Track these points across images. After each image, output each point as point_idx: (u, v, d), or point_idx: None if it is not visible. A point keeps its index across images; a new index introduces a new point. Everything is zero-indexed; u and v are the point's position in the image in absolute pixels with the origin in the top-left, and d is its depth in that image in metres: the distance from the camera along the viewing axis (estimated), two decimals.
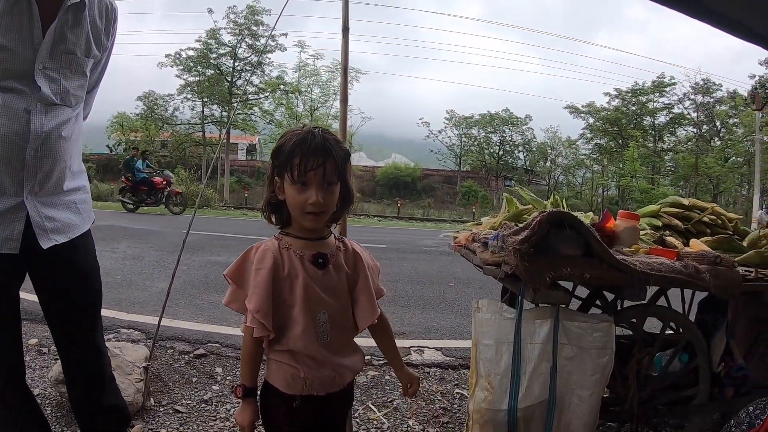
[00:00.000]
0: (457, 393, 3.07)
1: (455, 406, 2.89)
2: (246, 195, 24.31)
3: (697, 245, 2.17)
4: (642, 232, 2.31)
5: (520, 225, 1.72)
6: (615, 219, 2.20)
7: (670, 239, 2.28)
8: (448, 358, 3.62)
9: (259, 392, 1.38)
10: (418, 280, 6.29)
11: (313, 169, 1.22)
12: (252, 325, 1.25)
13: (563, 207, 2.43)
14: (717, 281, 1.73)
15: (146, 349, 2.80)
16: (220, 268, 6.17)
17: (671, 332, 2.21)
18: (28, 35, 1.38)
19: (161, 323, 3.76)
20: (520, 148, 39.06)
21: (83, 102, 1.62)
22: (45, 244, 1.45)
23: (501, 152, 38.71)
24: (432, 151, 39.36)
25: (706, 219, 2.61)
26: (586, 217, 2.21)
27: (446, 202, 35.99)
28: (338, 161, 1.26)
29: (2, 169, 1.36)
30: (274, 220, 1.35)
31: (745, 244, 2.45)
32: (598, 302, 2.15)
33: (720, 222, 2.66)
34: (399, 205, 26.26)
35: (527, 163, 39.60)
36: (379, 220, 21.18)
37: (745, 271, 1.90)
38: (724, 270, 1.79)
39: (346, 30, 2.58)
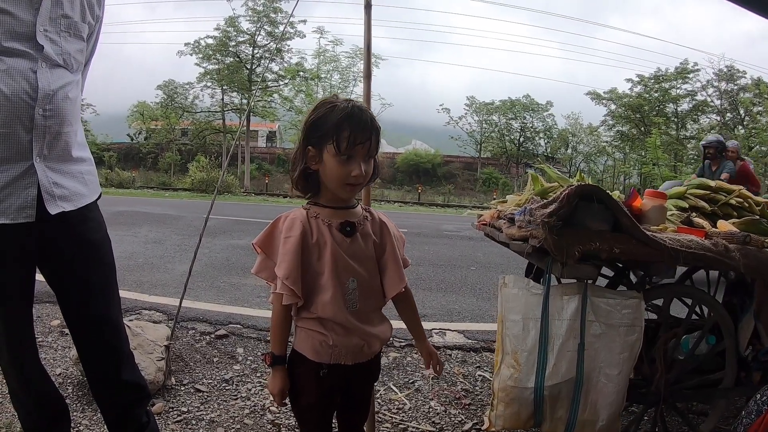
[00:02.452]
0: (479, 375, 3.02)
1: (477, 388, 2.86)
2: (266, 181, 24.43)
3: (725, 226, 2.09)
4: (669, 213, 2.22)
5: (548, 199, 1.65)
6: (642, 198, 2.12)
7: (698, 220, 2.19)
8: (469, 341, 3.57)
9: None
10: (439, 264, 6.25)
11: (362, 143, 1.24)
12: (282, 291, 1.26)
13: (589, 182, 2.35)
14: (747, 261, 1.66)
15: (167, 329, 2.81)
16: (240, 251, 6.23)
17: (696, 316, 2.14)
18: None
19: (183, 304, 3.83)
20: (541, 135, 38.68)
21: (81, 71, 1.62)
22: (53, 210, 1.43)
23: (522, 139, 38.38)
24: (452, 137, 39.18)
25: (732, 201, 2.52)
26: (613, 195, 2.13)
27: (466, 189, 35.90)
28: (378, 138, 1.30)
29: (12, 131, 1.36)
30: (303, 189, 1.34)
31: None
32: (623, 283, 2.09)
33: (747, 205, 2.56)
34: (419, 191, 26.17)
35: (548, 149, 39.15)
36: (399, 206, 21.17)
37: None
38: (755, 250, 1.72)
39: (368, 6, 2.52)
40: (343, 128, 1.23)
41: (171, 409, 2.36)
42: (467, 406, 2.62)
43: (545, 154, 38.94)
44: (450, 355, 3.33)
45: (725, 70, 29.91)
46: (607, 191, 1.66)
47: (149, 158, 31.03)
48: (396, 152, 42.39)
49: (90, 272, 1.59)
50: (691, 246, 1.61)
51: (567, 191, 1.53)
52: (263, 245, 1.31)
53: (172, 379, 2.62)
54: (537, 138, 38.95)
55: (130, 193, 16.57)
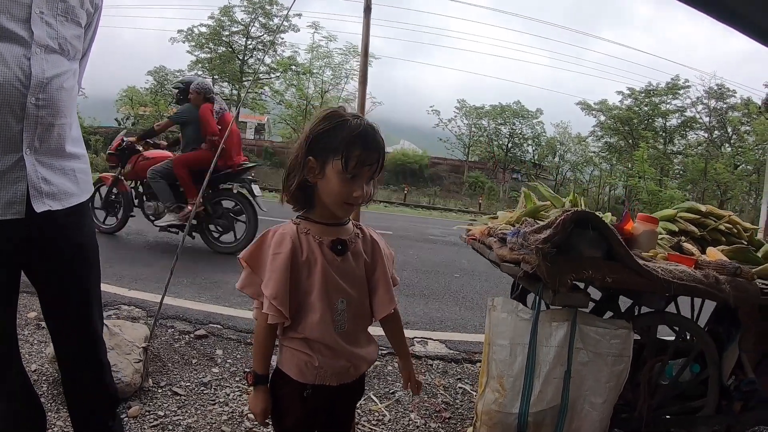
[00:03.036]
0: (460, 388, 3.01)
1: (457, 401, 2.84)
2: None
3: (715, 254, 2.11)
4: (659, 237, 2.23)
5: (541, 222, 1.64)
6: (634, 221, 2.12)
7: (687, 246, 2.21)
8: (451, 351, 3.56)
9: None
10: (423, 270, 6.24)
11: (370, 164, 1.21)
12: (268, 311, 1.21)
13: (582, 206, 2.35)
14: (737, 293, 1.67)
15: (146, 328, 2.75)
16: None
17: (682, 340, 2.16)
18: None
19: (162, 301, 3.75)
20: (530, 142, 39.05)
21: (79, 59, 1.56)
22: (38, 208, 1.37)
23: (510, 144, 38.72)
24: (441, 139, 39.50)
25: (722, 227, 2.55)
26: (605, 218, 2.13)
27: (452, 192, 36.08)
28: (384, 161, 1.27)
29: (2, 119, 1.30)
30: (298, 203, 1.30)
31: (760, 255, 2.38)
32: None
33: (735, 231, 2.59)
34: (406, 191, 26.20)
35: (536, 157, 39.58)
36: (385, 206, 21.14)
37: (762, 284, 1.83)
38: (744, 282, 1.73)
39: (368, 9, 2.51)
40: (355, 147, 1.18)
41: (147, 413, 2.30)
42: (447, 420, 2.61)
43: (532, 161, 39.37)
44: (431, 365, 3.32)
45: (715, 88, 30.63)
46: (602, 217, 1.65)
47: None
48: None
49: (73, 275, 1.54)
50: (683, 278, 1.62)
51: (563, 217, 1.52)
52: (250, 260, 1.26)
53: (149, 380, 2.56)
54: (525, 144, 39.40)
55: None
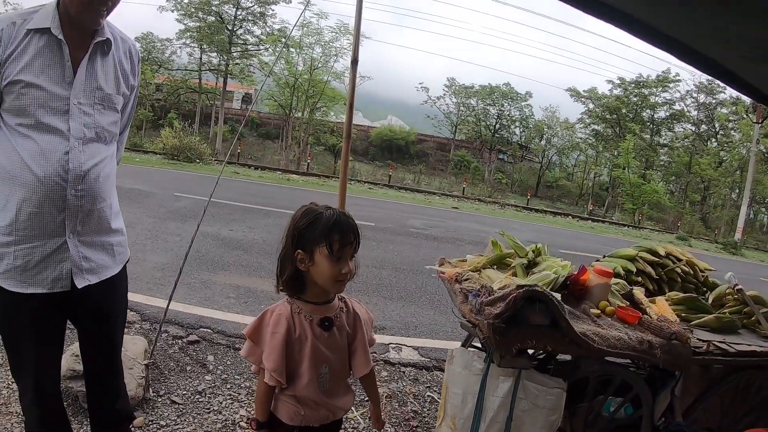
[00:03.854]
0: (428, 396, 3.33)
1: (425, 409, 3.16)
2: (239, 150, 24.11)
3: (662, 306, 2.41)
4: (614, 281, 2.52)
5: (497, 293, 1.92)
6: (590, 273, 2.42)
7: (638, 295, 2.50)
8: (423, 359, 3.87)
9: None
10: (402, 268, 6.52)
11: (349, 243, 1.48)
12: (269, 382, 1.52)
13: (544, 253, 2.64)
14: (667, 356, 1.97)
15: (145, 341, 3.01)
16: (210, 241, 6.33)
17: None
18: (60, 74, 1.48)
19: (157, 305, 4.00)
20: (517, 124, 39.10)
21: (116, 141, 1.73)
22: (80, 284, 1.58)
23: (497, 125, 38.76)
24: (428, 116, 39.29)
25: (678, 270, 2.85)
26: (564, 267, 2.42)
27: (438, 170, 36.14)
28: (360, 240, 1.53)
29: (46, 211, 1.47)
30: (292, 290, 1.56)
31: (710, 299, 2.70)
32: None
33: (692, 273, 2.89)
34: (391, 171, 26.34)
35: (523, 139, 39.72)
36: (369, 188, 21.27)
37: (698, 342, 2.15)
38: (678, 345, 2.02)
39: (354, 62, 2.72)
40: (334, 233, 1.45)
41: (151, 422, 2.57)
42: (414, 429, 2.93)
43: (519, 142, 39.50)
44: (404, 372, 3.63)
45: (705, 83, 30.73)
46: (550, 294, 1.92)
47: None
48: (371, 126, 42.24)
49: (103, 332, 1.80)
50: (617, 345, 1.92)
51: (514, 295, 1.81)
52: (252, 335, 1.55)
53: (150, 391, 2.82)
54: (513, 126, 39.49)
55: None
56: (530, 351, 2.20)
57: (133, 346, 2.92)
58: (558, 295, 2.06)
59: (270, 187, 14.91)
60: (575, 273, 2.45)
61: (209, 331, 3.75)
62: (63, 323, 1.73)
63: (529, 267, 2.51)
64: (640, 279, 2.90)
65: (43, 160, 1.45)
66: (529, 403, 1.93)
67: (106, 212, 1.65)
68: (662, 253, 2.97)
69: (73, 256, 1.56)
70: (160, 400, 2.80)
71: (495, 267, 2.59)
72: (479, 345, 2.54)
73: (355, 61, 2.69)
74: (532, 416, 1.93)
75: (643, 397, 2.27)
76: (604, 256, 3.24)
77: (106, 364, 1.86)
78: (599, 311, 2.29)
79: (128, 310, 3.76)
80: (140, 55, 1.82)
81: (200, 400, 2.86)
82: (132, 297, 4.08)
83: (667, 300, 2.63)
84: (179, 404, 2.79)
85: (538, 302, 1.86)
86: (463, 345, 2.64)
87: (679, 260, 2.99)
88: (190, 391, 2.93)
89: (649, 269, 2.90)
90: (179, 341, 3.53)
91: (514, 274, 2.41)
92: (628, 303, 2.51)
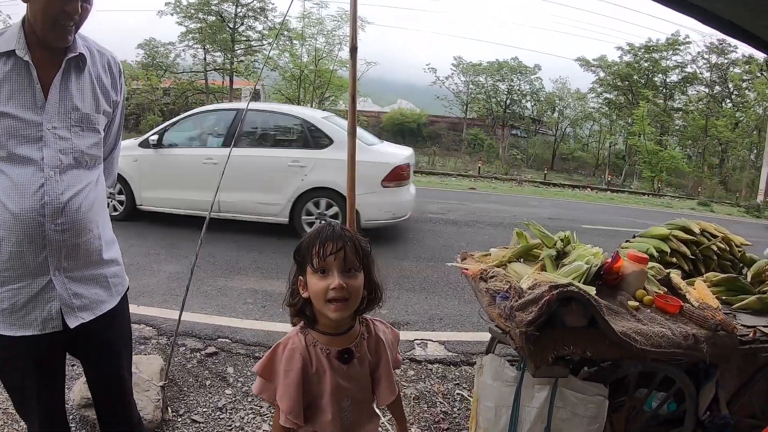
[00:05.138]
0: (458, 394, 3.18)
1: (455, 409, 3.01)
2: None
3: (702, 290, 2.22)
4: (649, 266, 2.33)
5: (527, 294, 1.75)
6: (623, 259, 2.23)
7: (676, 279, 2.31)
8: (450, 354, 3.72)
9: None
10: (422, 257, 6.36)
11: (333, 253, 1.27)
12: (285, 424, 1.35)
13: (573, 240, 2.45)
14: (714, 350, 1.80)
15: (161, 360, 2.91)
16: (224, 245, 6.21)
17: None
18: (30, 98, 1.36)
19: (173, 318, 3.89)
20: (528, 98, 38.54)
21: (102, 164, 1.60)
22: (72, 323, 1.46)
23: (508, 101, 38.24)
24: (438, 97, 38.94)
25: (714, 247, 2.65)
26: (596, 256, 2.24)
27: (451, 150, 35.87)
28: (358, 248, 1.32)
29: (26, 249, 1.35)
30: (296, 321, 1.41)
31: (749, 276, 2.49)
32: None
33: (727, 250, 2.70)
34: None
35: (534, 112, 39.15)
36: None
37: (743, 329, 1.95)
38: (724, 336, 1.84)
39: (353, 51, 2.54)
40: (314, 243, 1.29)
41: None
42: (445, 431, 2.79)
43: (531, 116, 38.96)
44: (430, 370, 3.49)
45: (716, 43, 29.93)
46: (587, 293, 1.73)
47: (131, 119, 30.49)
48: (381, 111, 42.04)
49: (109, 369, 1.68)
50: (661, 344, 1.73)
51: (548, 297, 1.63)
52: (263, 373, 1.38)
53: (170, 411, 2.73)
54: (524, 101, 38.89)
55: None
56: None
57: (149, 367, 2.83)
58: (593, 289, 1.88)
59: None
60: (608, 261, 2.26)
61: (228, 341, 3.64)
62: (62, 359, 1.62)
63: (559, 257, 2.32)
64: (674, 260, 2.70)
65: (17, 195, 1.33)
66: (568, 412, 1.77)
67: (94, 243, 1.52)
68: (696, 230, 2.77)
69: (62, 295, 1.44)
70: (180, 420, 2.71)
71: (522, 260, 2.41)
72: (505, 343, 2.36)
73: (354, 49, 2.51)
74: (572, 425, 1.77)
75: (687, 392, 2.10)
76: (635, 236, 3.04)
77: (114, 397, 1.76)
78: (637, 302, 2.11)
79: (144, 325, 3.78)
80: (120, 66, 1.66)
81: (221, 416, 2.76)
82: (147, 311, 4.04)
83: (705, 282, 2.43)
84: (200, 423, 2.70)
85: (575, 301, 1.67)
86: (488, 349, 2.47)
87: (714, 237, 2.79)
88: (211, 407, 2.83)
89: (684, 249, 2.70)
90: (197, 354, 3.43)
91: (543, 267, 2.23)
92: (666, 289, 2.32)
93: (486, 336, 2.75)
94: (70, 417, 2.61)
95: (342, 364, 1.37)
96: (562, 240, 2.38)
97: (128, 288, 1.75)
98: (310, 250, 1.29)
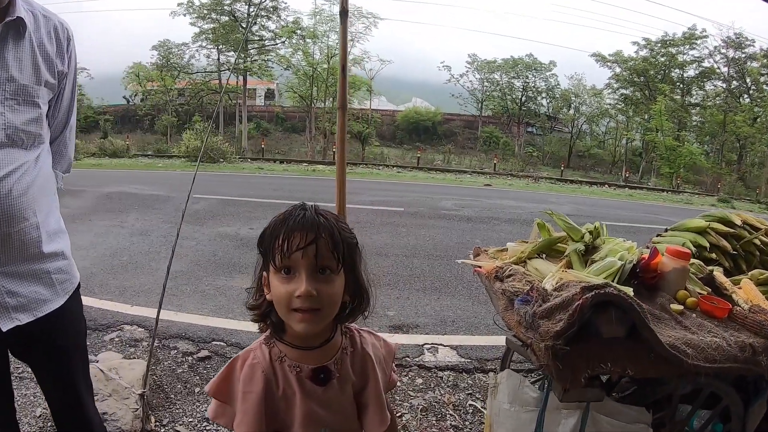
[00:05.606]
0: (470, 406, 2.89)
1: (467, 423, 2.72)
2: (263, 145, 24.16)
3: (750, 290, 1.90)
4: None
5: (553, 297, 1.44)
6: (662, 255, 1.92)
7: (721, 278, 1.99)
8: (462, 360, 3.43)
9: None
10: (435, 255, 6.08)
11: (301, 248, 0.95)
12: None
13: (603, 233, 2.14)
14: None
15: (144, 365, 2.66)
16: (228, 242, 6.05)
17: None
18: None
19: (167, 318, 3.69)
20: (543, 95, 38.18)
21: (44, 143, 1.38)
22: (5, 326, 1.25)
23: (524, 98, 37.89)
24: (453, 95, 38.83)
25: (756, 241, 2.33)
26: (630, 250, 1.93)
27: (467, 148, 35.85)
28: (337, 241, 0.98)
29: None
30: (262, 327, 1.10)
31: None
32: None
33: None
34: (419, 154, 25.93)
35: (550, 109, 38.80)
36: (398, 171, 20.94)
37: None
38: None
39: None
40: (277, 234, 0.97)
41: None
42: None
43: (547, 114, 38.58)
44: (441, 378, 3.19)
45: (733, 37, 29.37)
46: (628, 295, 1.42)
47: (146, 120, 30.76)
48: (396, 110, 42.06)
49: (57, 376, 1.48)
50: (715, 357, 1.42)
51: (580, 302, 1.31)
52: (217, 394, 1.07)
53: (152, 420, 2.49)
54: (539, 98, 38.55)
55: (123, 165, 16.31)
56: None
57: (130, 372, 2.59)
58: (630, 290, 1.57)
59: (294, 179, 14.73)
60: (645, 257, 1.95)
61: (222, 344, 3.39)
62: (4, 364, 1.41)
63: (587, 253, 2.00)
64: (714, 255, 2.38)
65: None
66: None
67: (31, 234, 1.29)
68: (738, 222, 2.44)
69: None
70: (162, 430, 2.46)
71: (544, 255, 2.09)
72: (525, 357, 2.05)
73: (344, 12, 2.26)
74: None
75: (733, 410, 1.78)
76: (666, 230, 2.72)
77: (69, 408, 1.55)
78: (681, 306, 1.80)
79: (136, 327, 3.55)
80: (69, 33, 1.43)
81: (207, 427, 2.50)
82: (141, 311, 3.82)
83: (751, 280, 2.11)
84: None
85: (612, 306, 1.36)
86: (503, 362, 2.14)
87: (757, 229, 2.47)
88: (198, 417, 2.58)
89: (724, 243, 2.38)
90: (189, 358, 3.19)
91: (569, 264, 1.91)
92: (710, 290, 2.00)
93: (503, 340, 2.45)
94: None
95: (317, 386, 1.06)
96: (590, 232, 2.06)
97: (79, 285, 1.51)
98: (273, 242, 0.97)
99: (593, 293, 1.34)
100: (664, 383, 1.67)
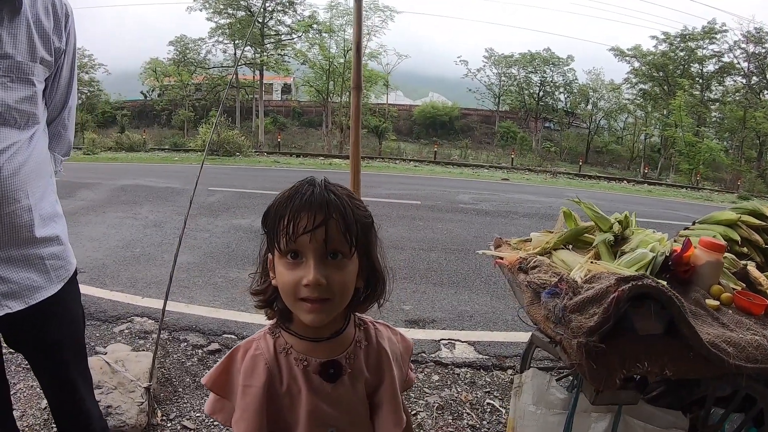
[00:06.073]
0: (488, 405, 2.77)
1: (484, 422, 2.60)
2: (279, 140, 24.21)
3: None
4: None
5: (585, 289, 1.31)
6: (694, 248, 1.78)
7: (755, 273, 1.85)
8: (480, 356, 3.31)
9: None
10: (452, 248, 5.96)
11: (308, 231, 0.84)
12: None
13: (632, 224, 2.00)
14: None
15: (151, 357, 2.59)
16: (242, 234, 5.99)
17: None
18: None
19: (178, 311, 3.63)
20: (561, 90, 37.69)
21: (40, 123, 1.32)
22: None
23: (541, 93, 37.45)
24: (470, 90, 38.59)
25: None
26: (661, 242, 1.79)
27: (484, 143, 35.64)
28: (349, 222, 0.87)
29: None
30: (269, 314, 1.00)
31: None
32: None
33: None
34: (435, 148, 25.79)
35: (568, 105, 38.30)
36: (415, 165, 20.83)
37: None
38: None
39: None
40: (282, 214, 0.86)
41: None
42: None
43: (565, 109, 38.11)
44: (458, 374, 3.08)
45: (754, 32, 28.65)
46: (668, 288, 1.29)
47: (163, 115, 31.04)
48: (413, 104, 41.95)
49: (51, 367, 1.42)
50: (757, 357, 1.28)
51: (616, 294, 1.18)
52: (215, 388, 0.98)
53: (159, 414, 2.42)
54: (557, 92, 38.05)
55: (140, 159, 16.43)
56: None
57: (136, 365, 2.52)
58: (663, 284, 1.44)
59: (310, 172, 14.58)
60: (677, 249, 1.81)
61: (233, 337, 3.33)
62: None
63: (615, 244, 1.87)
64: (745, 249, 2.22)
65: None
66: None
67: (23, 217, 1.23)
68: None
69: None
70: (169, 425, 2.40)
71: (570, 246, 1.96)
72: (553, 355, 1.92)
73: None
74: None
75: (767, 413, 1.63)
76: (694, 223, 2.56)
77: (65, 401, 1.50)
78: (717, 302, 1.66)
79: (147, 318, 3.49)
80: (67, 9, 1.36)
81: (215, 423, 2.42)
82: (151, 303, 3.77)
83: None
84: (191, 429, 2.36)
85: (650, 300, 1.23)
86: (524, 359, 2.00)
87: None
88: (205, 413, 2.49)
89: (756, 237, 2.22)
90: (199, 351, 3.12)
91: (597, 255, 1.78)
92: (744, 285, 1.86)
93: (523, 336, 2.31)
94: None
95: (326, 382, 0.95)
96: (619, 222, 1.92)
97: (76, 272, 1.44)
98: (278, 223, 0.86)
99: (630, 285, 1.22)
100: (700, 384, 1.54)
